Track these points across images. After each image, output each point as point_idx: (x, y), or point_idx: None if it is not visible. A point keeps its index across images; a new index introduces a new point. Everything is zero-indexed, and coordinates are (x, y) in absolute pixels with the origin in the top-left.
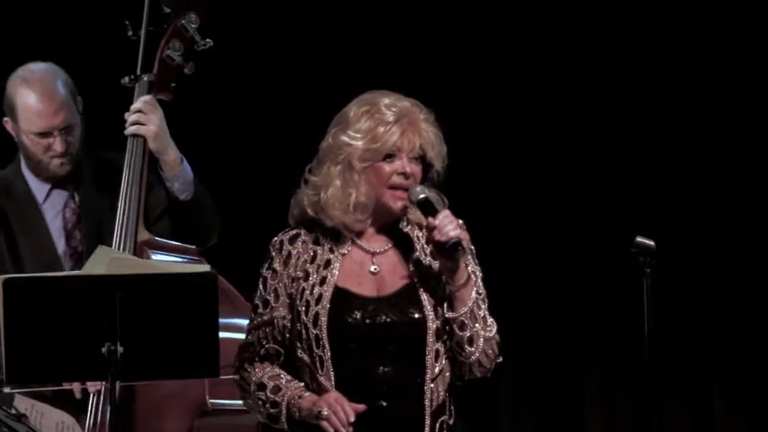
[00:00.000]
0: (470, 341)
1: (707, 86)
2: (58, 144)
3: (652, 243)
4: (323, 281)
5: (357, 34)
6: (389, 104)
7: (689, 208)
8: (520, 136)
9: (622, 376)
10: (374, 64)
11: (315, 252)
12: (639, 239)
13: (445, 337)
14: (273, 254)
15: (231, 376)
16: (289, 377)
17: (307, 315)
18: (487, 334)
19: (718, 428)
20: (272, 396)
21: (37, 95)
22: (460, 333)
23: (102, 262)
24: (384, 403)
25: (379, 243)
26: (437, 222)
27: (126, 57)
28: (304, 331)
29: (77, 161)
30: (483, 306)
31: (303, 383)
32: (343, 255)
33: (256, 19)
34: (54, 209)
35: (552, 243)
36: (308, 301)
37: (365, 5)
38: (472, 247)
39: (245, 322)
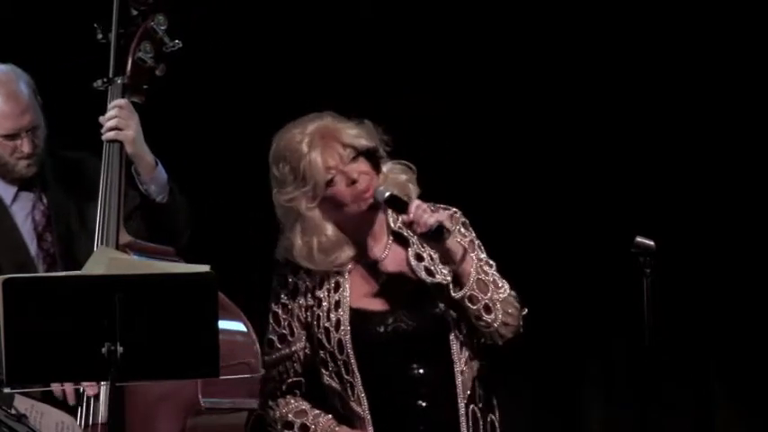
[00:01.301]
0: (487, 309)
1: (707, 86)
2: (25, 145)
3: (652, 243)
4: (337, 305)
5: (346, 34)
6: (298, 140)
7: (689, 208)
8: (519, 136)
9: (622, 376)
10: (360, 64)
11: (321, 277)
12: (639, 239)
13: (462, 324)
14: (279, 288)
15: (225, 376)
16: (315, 412)
17: (330, 343)
18: (501, 295)
19: (718, 429)
20: None
21: (2, 97)
22: (474, 306)
23: (102, 262)
24: (423, 403)
25: (378, 249)
26: (412, 216)
27: (99, 60)
28: (330, 358)
29: (42, 162)
30: (489, 270)
31: (330, 415)
32: (350, 272)
33: (239, 18)
34: (23, 211)
35: (552, 243)
36: (326, 328)
37: (360, 5)
38: (464, 220)
39: (232, 324)
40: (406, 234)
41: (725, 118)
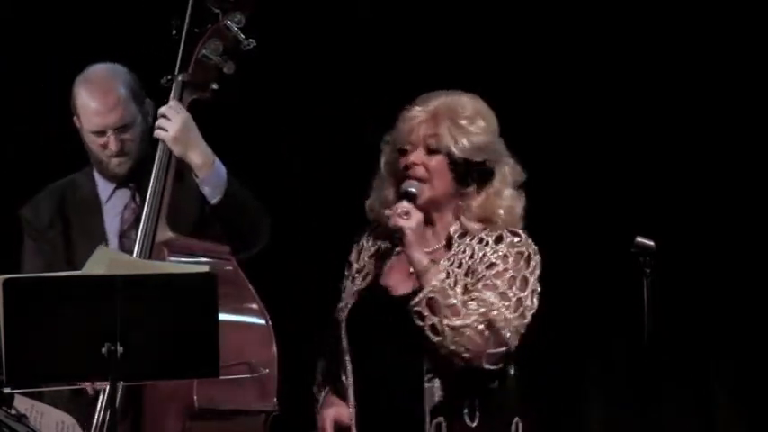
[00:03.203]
0: (434, 330)
1: (706, 86)
2: (112, 143)
3: (652, 243)
4: (366, 275)
5: (345, 34)
6: (421, 101)
7: (689, 208)
8: (519, 136)
9: (622, 376)
10: (359, 64)
11: (379, 247)
12: (639, 239)
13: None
14: (354, 245)
15: (227, 376)
16: (337, 375)
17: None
18: (455, 322)
19: (718, 429)
20: (318, 407)
21: (93, 94)
22: (421, 323)
23: (102, 262)
24: (394, 401)
25: (430, 243)
26: (395, 210)
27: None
28: (336, 324)
29: (138, 161)
30: (451, 294)
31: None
32: (398, 253)
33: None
34: (115, 209)
35: (552, 243)
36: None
37: (359, 5)
38: (523, 251)
39: (246, 320)
40: (453, 239)
41: (725, 118)
